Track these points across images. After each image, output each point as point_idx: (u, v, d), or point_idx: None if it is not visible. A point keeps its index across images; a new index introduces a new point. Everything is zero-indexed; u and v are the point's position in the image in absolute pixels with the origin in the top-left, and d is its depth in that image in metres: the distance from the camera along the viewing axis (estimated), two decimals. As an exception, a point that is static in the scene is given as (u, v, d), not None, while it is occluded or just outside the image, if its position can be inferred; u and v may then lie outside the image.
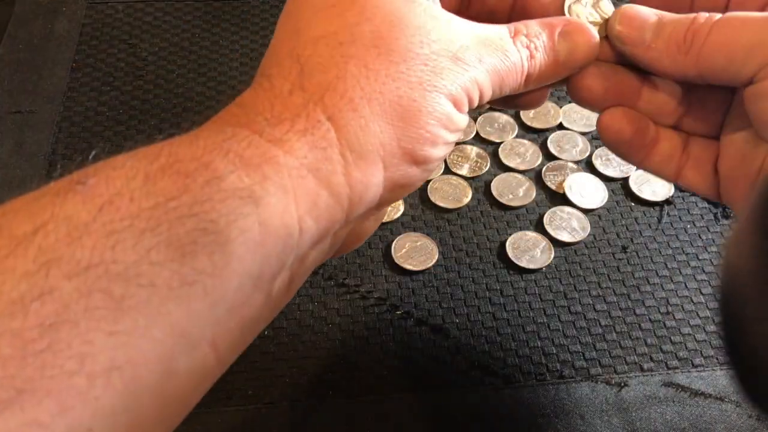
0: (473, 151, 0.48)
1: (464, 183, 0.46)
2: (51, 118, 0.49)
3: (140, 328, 0.21)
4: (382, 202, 0.29)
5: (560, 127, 0.50)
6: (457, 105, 0.28)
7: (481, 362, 0.39)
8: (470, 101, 0.29)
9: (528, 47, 0.30)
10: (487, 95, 0.30)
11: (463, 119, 0.29)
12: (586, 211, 0.45)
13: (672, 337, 0.40)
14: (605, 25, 0.32)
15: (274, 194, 0.24)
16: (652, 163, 0.33)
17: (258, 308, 0.25)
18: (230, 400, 0.37)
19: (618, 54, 0.32)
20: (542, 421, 0.37)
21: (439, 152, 0.29)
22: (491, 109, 0.50)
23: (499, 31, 0.30)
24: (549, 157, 0.48)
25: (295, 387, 0.37)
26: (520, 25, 0.31)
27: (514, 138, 0.49)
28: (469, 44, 0.29)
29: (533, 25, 0.31)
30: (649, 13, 0.31)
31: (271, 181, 0.24)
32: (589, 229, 0.44)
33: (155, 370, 0.21)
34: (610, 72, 0.32)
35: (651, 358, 0.39)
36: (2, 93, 0.50)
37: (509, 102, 0.34)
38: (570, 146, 0.49)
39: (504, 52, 0.30)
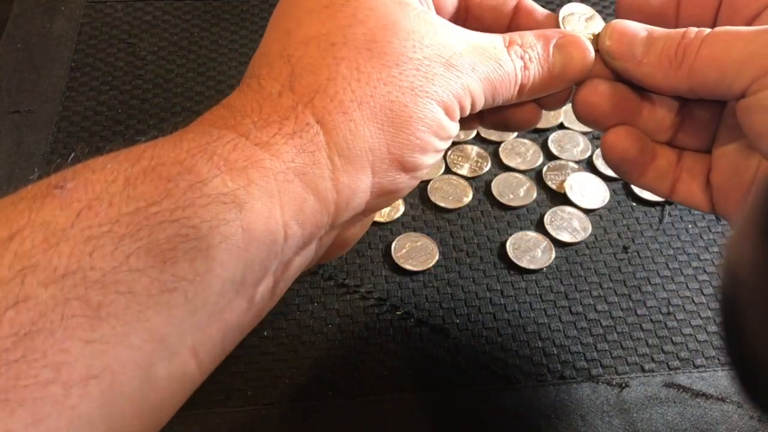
0: (473, 150, 0.48)
1: (464, 183, 0.46)
2: (50, 118, 0.49)
3: (118, 336, 0.21)
4: (369, 209, 0.28)
5: (561, 126, 0.50)
6: (448, 112, 0.28)
7: (481, 363, 0.38)
8: (462, 109, 0.29)
9: (522, 58, 0.30)
10: (479, 104, 0.29)
11: (454, 127, 0.29)
12: (587, 211, 0.45)
13: (673, 338, 0.40)
14: (596, 40, 0.31)
15: (259, 199, 0.24)
16: (648, 179, 0.32)
17: (240, 314, 0.25)
18: (229, 401, 0.37)
19: (609, 70, 0.31)
20: (543, 422, 0.36)
21: (429, 159, 0.29)
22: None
23: (493, 40, 0.30)
24: (550, 156, 0.48)
25: (295, 387, 0.37)
26: (515, 35, 0.30)
27: (515, 138, 0.49)
28: (462, 51, 0.28)
29: (528, 36, 0.31)
30: (639, 28, 0.30)
31: (256, 185, 0.24)
32: (590, 229, 0.44)
33: (134, 378, 0.21)
34: (615, 89, 0.31)
35: (652, 359, 0.39)
36: (1, 92, 0.50)
37: (501, 123, 0.33)
38: (571, 146, 0.49)
39: (497, 61, 0.29)
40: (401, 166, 0.27)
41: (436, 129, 0.28)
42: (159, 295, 0.22)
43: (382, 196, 0.28)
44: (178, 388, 0.23)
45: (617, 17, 0.33)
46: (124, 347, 0.21)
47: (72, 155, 0.27)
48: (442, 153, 0.30)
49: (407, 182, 0.29)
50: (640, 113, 0.32)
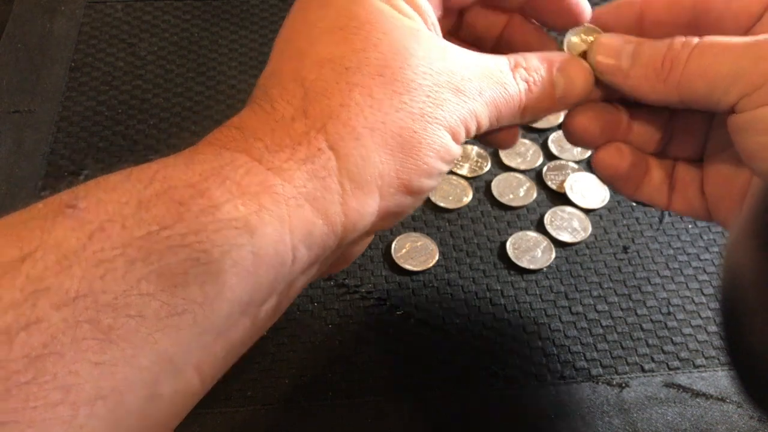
0: (474, 150, 0.48)
1: (465, 183, 0.46)
2: (50, 118, 0.49)
3: (127, 358, 0.21)
4: (373, 229, 0.29)
5: (561, 126, 0.50)
6: (454, 137, 0.28)
7: (481, 363, 0.38)
8: (467, 132, 0.29)
9: (527, 80, 0.30)
10: (484, 126, 0.30)
11: (458, 150, 0.29)
12: (587, 211, 0.45)
13: (673, 338, 0.40)
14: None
15: (270, 224, 0.24)
16: (644, 193, 0.33)
17: (244, 332, 0.25)
18: (229, 401, 0.37)
19: (603, 85, 0.32)
20: (543, 422, 0.36)
21: (433, 182, 0.29)
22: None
23: (499, 63, 0.30)
24: (550, 156, 0.48)
25: (295, 388, 0.37)
26: (520, 57, 0.31)
27: (515, 138, 0.49)
28: (470, 76, 0.29)
29: (533, 59, 0.31)
30: (625, 41, 0.31)
31: (267, 210, 0.24)
32: (590, 229, 0.44)
33: (140, 396, 0.21)
34: (603, 110, 0.32)
35: (652, 359, 0.39)
36: (1, 93, 0.50)
37: (483, 139, 0.34)
38: (571, 146, 0.48)
39: (503, 85, 0.29)
40: (408, 190, 0.28)
41: (442, 154, 0.28)
42: (168, 318, 0.22)
43: (387, 218, 0.28)
44: (182, 402, 0.23)
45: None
46: (132, 368, 0.21)
47: (85, 173, 0.27)
48: (444, 175, 0.30)
49: (412, 204, 0.29)
50: (630, 128, 0.32)
